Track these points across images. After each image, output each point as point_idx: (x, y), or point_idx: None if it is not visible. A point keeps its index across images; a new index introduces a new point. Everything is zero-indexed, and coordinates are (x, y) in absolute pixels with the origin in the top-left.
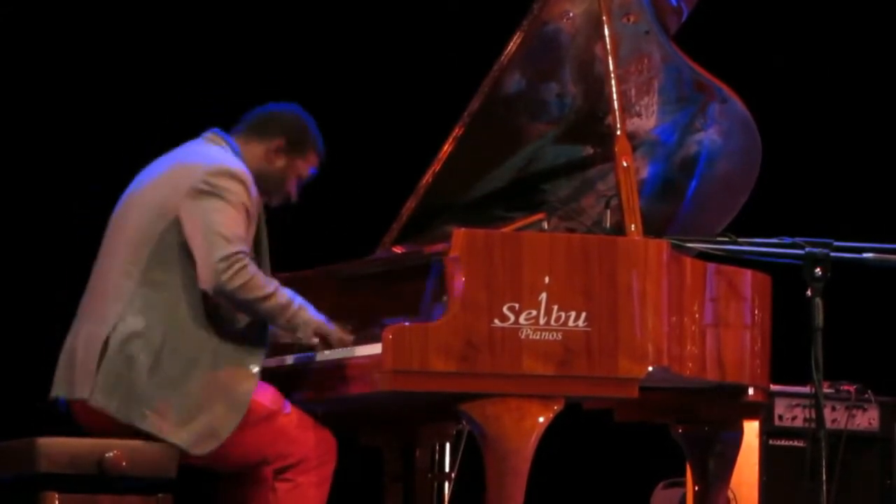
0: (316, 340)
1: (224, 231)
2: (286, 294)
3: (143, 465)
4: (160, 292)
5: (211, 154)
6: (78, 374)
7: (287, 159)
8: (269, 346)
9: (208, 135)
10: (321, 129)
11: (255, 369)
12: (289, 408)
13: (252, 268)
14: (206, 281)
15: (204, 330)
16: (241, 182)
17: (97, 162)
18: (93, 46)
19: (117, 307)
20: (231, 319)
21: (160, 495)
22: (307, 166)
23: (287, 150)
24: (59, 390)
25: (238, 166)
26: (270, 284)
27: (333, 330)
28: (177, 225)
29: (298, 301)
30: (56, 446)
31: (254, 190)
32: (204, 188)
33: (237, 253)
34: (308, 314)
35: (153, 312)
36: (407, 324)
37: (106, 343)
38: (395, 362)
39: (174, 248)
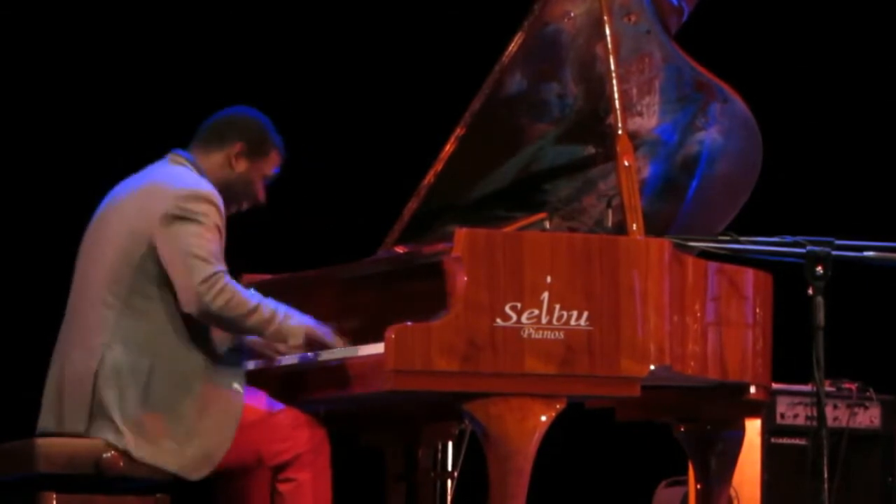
0: (306, 350)
1: (201, 253)
2: (269, 306)
3: (140, 466)
4: (143, 320)
5: (179, 176)
6: (67, 409)
7: (249, 163)
8: (246, 361)
9: (170, 156)
10: (322, 129)
11: (240, 388)
12: (279, 406)
13: (232, 285)
14: (189, 304)
15: (190, 354)
16: (213, 204)
17: (100, 169)
18: (100, 52)
19: (102, 338)
20: (213, 341)
21: (157, 496)
22: (270, 166)
23: (247, 154)
24: (47, 424)
25: (207, 188)
26: (253, 299)
27: (325, 331)
28: (154, 251)
29: (283, 310)
30: (54, 447)
31: (223, 209)
32: (177, 213)
33: (216, 273)
34: (295, 322)
35: (138, 342)
36: (409, 323)
37: (95, 376)
38: (397, 362)
39: (154, 275)
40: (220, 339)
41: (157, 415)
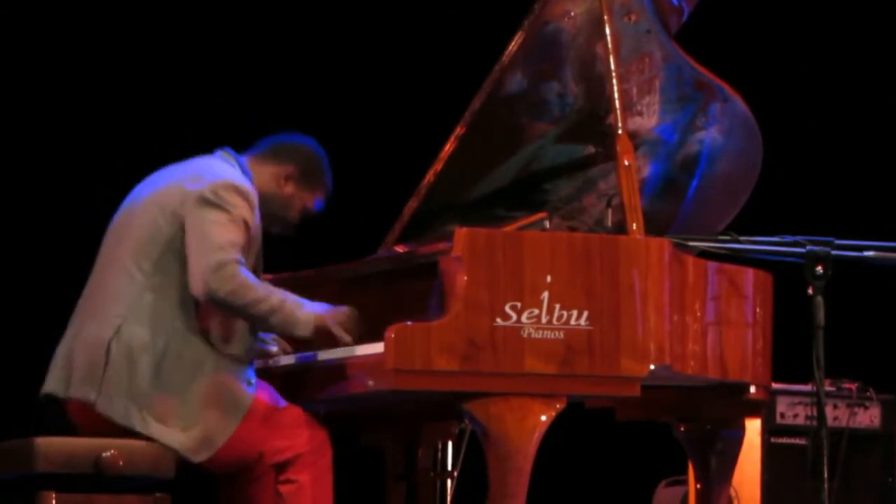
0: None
1: (218, 240)
2: (278, 295)
3: (140, 465)
4: (162, 298)
5: (223, 169)
6: (77, 375)
7: (295, 187)
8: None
9: (220, 153)
10: (322, 128)
11: (253, 380)
12: (283, 403)
13: (243, 273)
14: (195, 287)
15: (205, 338)
16: (246, 198)
17: (98, 164)
18: (100, 50)
19: (119, 310)
20: (229, 330)
21: (157, 495)
22: (313, 199)
23: (297, 179)
24: (53, 387)
25: (246, 184)
26: (261, 288)
27: (335, 316)
28: (182, 231)
29: (292, 299)
30: (53, 446)
31: (257, 211)
32: (209, 198)
33: (229, 261)
34: (304, 312)
35: (156, 319)
36: (409, 323)
37: (108, 346)
38: (397, 361)
39: (178, 254)
40: (242, 331)
41: (166, 395)
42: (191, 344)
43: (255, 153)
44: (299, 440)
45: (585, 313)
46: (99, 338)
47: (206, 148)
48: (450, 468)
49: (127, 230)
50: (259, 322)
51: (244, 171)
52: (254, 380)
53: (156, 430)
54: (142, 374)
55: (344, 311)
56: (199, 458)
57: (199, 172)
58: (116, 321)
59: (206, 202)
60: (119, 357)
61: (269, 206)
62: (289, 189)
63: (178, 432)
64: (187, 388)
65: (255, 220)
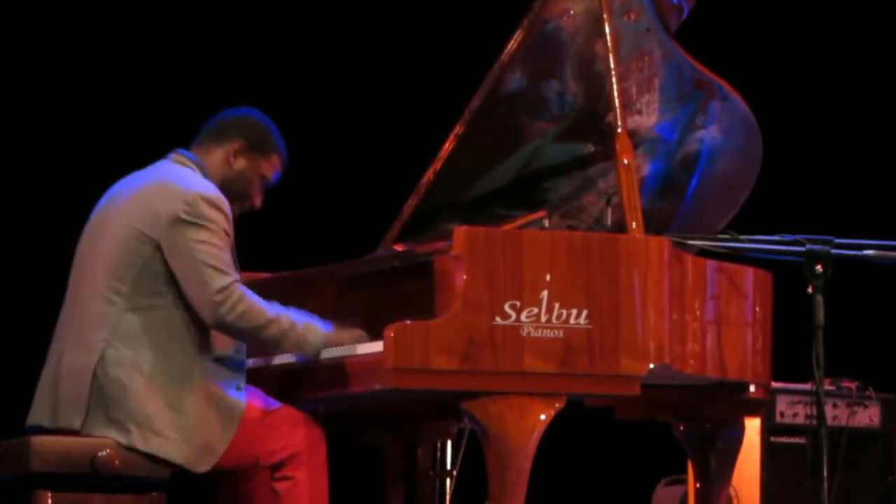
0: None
1: (214, 262)
2: (288, 316)
3: (135, 464)
4: (145, 317)
5: (184, 178)
6: (63, 404)
7: (248, 161)
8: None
9: (174, 156)
10: (322, 128)
11: (242, 385)
12: (275, 405)
13: (248, 295)
14: (205, 315)
15: (190, 350)
16: (220, 209)
17: (97, 165)
18: (99, 50)
19: (101, 334)
20: (216, 340)
21: (153, 494)
22: (270, 168)
23: (247, 152)
24: (39, 418)
25: (213, 191)
26: (270, 310)
27: (343, 336)
28: (160, 252)
29: (302, 320)
30: (49, 445)
31: (230, 214)
32: (186, 218)
33: (231, 283)
34: (315, 334)
35: (140, 338)
36: (408, 322)
37: (94, 373)
38: (396, 360)
39: (160, 275)
40: (225, 338)
41: (162, 408)
42: (177, 359)
43: (200, 142)
44: (294, 439)
45: (585, 312)
46: (84, 365)
47: None
48: (449, 467)
49: (97, 253)
50: (268, 345)
51: (203, 172)
52: (243, 385)
53: (157, 446)
54: (134, 393)
55: (356, 334)
56: (202, 468)
57: (163, 186)
58: (100, 346)
59: (183, 223)
60: (107, 380)
61: (229, 189)
62: (241, 164)
63: (181, 444)
64: (180, 402)
65: (231, 225)
